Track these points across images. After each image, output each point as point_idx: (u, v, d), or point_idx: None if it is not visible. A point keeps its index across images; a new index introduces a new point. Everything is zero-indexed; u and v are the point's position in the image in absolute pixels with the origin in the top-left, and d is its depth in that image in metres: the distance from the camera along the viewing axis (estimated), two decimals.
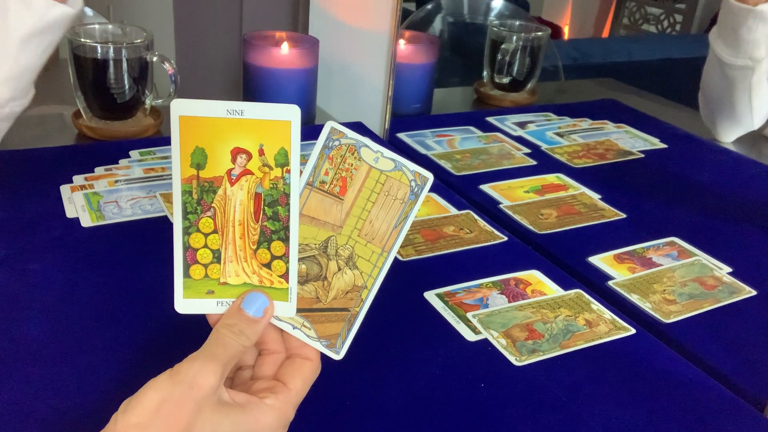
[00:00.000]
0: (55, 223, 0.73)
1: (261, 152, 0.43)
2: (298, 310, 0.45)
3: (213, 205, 0.44)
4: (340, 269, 0.45)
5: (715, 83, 0.91)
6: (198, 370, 0.39)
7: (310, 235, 0.45)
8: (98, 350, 0.56)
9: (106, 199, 0.78)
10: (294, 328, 0.45)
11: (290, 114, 0.43)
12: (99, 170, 0.85)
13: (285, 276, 0.45)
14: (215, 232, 0.44)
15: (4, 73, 0.68)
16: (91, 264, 0.67)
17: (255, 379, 0.45)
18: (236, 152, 0.43)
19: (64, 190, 0.80)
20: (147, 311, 0.61)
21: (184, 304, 0.45)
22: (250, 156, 0.44)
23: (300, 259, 0.45)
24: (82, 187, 0.81)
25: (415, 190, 0.45)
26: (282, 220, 0.45)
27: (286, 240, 0.45)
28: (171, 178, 0.83)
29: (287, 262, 0.45)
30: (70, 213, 0.75)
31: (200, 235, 0.44)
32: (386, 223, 0.45)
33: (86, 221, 0.74)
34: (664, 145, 1.09)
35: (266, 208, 0.44)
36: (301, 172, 0.45)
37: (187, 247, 0.44)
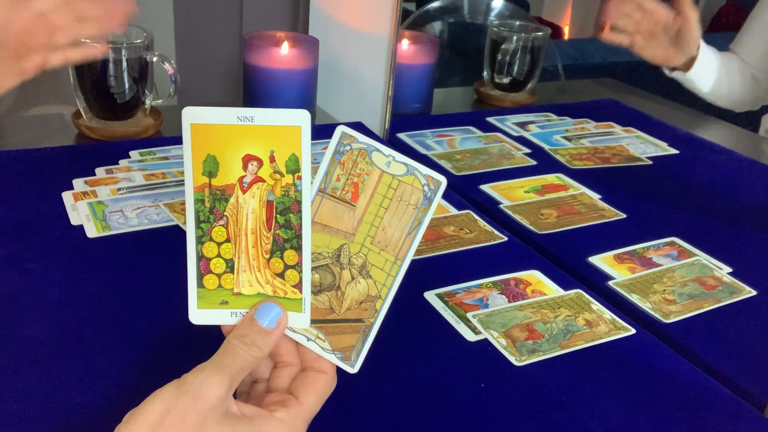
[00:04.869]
0: (55, 224, 0.73)
1: (272, 159, 0.43)
2: (312, 321, 0.44)
3: (225, 213, 0.43)
4: (353, 278, 0.44)
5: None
6: (203, 381, 0.38)
7: (323, 243, 0.44)
8: (98, 352, 0.56)
9: (111, 209, 0.77)
10: (308, 339, 0.44)
11: (300, 119, 0.42)
12: (99, 172, 0.85)
13: (298, 286, 0.44)
14: (228, 241, 0.44)
15: None
16: (91, 267, 0.67)
17: (269, 392, 0.44)
18: (247, 159, 0.43)
19: (66, 197, 0.78)
20: (147, 313, 0.61)
21: (198, 314, 0.44)
22: (261, 163, 0.43)
23: (313, 269, 0.44)
24: (85, 194, 0.79)
25: (428, 194, 0.44)
26: (294, 228, 0.44)
27: (298, 249, 0.44)
28: (173, 185, 0.83)
29: (300, 272, 0.44)
30: (74, 221, 0.74)
31: (213, 244, 0.44)
32: (399, 230, 0.44)
33: (92, 232, 0.72)
34: (674, 150, 1.09)
35: (278, 216, 0.44)
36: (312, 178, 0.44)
37: (200, 257, 0.44)
